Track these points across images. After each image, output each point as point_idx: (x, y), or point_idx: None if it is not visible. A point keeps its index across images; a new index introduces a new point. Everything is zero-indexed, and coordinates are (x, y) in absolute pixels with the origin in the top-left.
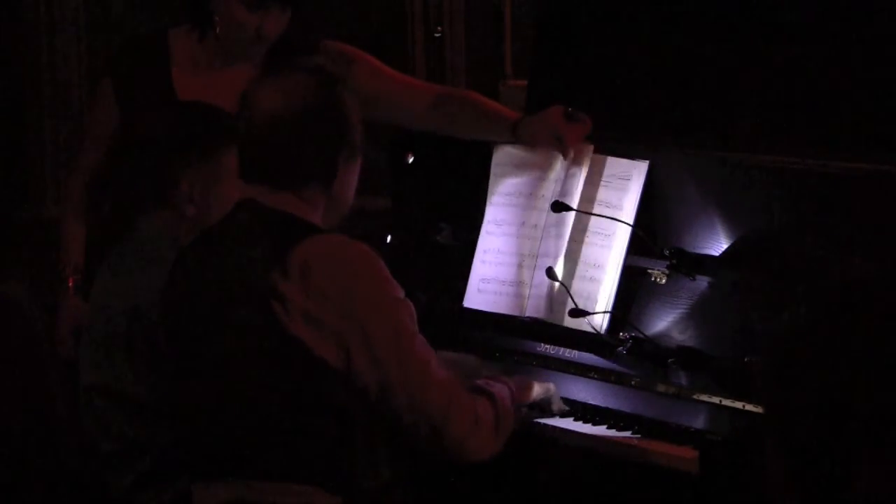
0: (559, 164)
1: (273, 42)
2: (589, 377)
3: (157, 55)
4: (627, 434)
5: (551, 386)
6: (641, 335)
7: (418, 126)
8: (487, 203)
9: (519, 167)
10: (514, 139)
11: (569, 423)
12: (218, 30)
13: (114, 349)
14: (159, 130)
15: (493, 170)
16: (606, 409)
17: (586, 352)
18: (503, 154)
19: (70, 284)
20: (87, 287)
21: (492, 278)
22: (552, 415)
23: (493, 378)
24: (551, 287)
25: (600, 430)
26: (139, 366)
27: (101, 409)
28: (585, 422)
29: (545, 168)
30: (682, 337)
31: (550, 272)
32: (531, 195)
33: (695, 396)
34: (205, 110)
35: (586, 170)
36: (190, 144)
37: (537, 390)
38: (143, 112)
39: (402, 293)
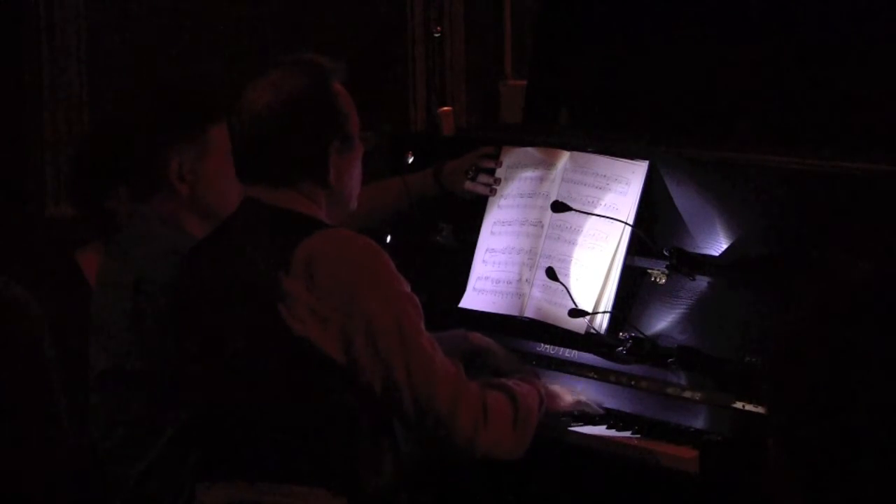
0: (560, 165)
1: None
2: (589, 377)
3: None
4: (627, 434)
5: (582, 397)
6: (641, 335)
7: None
8: (491, 203)
9: (526, 168)
10: (439, 185)
11: (568, 424)
12: None
13: (122, 326)
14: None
15: (501, 172)
16: (606, 409)
17: (586, 352)
18: (513, 156)
19: None
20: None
21: (490, 277)
22: (592, 422)
23: (524, 380)
24: (551, 287)
25: (600, 430)
26: (147, 341)
27: (114, 394)
28: (585, 422)
29: (548, 168)
30: (682, 337)
31: (550, 272)
32: (533, 195)
33: (695, 396)
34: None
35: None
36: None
37: (569, 400)
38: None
39: (407, 287)
